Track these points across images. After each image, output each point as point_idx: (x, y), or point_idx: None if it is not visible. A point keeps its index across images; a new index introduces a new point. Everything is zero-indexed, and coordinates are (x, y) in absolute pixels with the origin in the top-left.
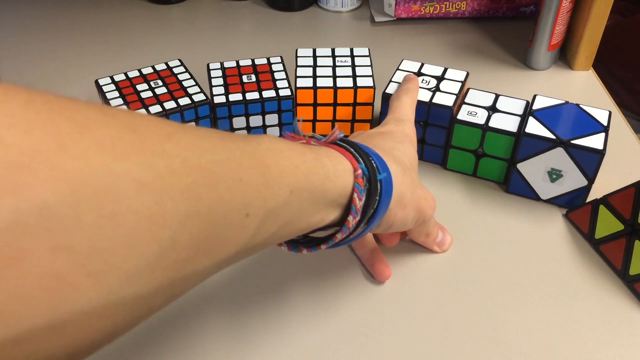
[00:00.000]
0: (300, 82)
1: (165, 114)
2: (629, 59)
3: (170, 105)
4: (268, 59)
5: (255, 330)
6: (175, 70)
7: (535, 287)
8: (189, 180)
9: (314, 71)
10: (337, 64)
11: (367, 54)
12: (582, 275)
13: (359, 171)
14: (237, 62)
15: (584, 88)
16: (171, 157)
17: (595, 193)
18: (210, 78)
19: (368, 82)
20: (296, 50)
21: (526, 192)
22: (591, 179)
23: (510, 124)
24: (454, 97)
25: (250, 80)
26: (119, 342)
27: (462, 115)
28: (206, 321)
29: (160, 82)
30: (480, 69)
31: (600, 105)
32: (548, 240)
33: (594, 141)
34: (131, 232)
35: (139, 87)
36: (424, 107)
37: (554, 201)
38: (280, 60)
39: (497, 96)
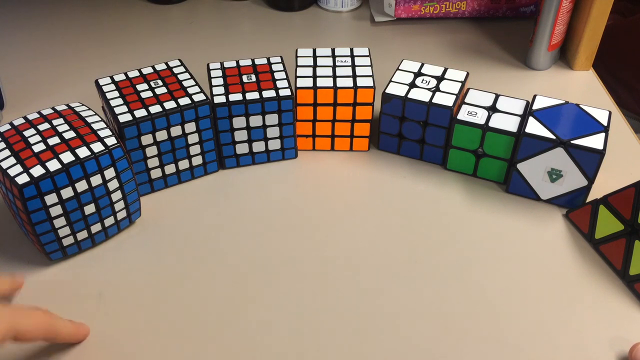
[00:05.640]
0: (300, 82)
1: (165, 114)
2: (629, 59)
3: (170, 105)
4: (268, 59)
5: (253, 330)
6: (175, 70)
7: (535, 287)
8: None
9: (314, 71)
10: (337, 64)
11: (367, 54)
12: (582, 275)
13: None
14: (237, 62)
15: (584, 88)
16: None
17: (595, 193)
18: (210, 78)
19: (368, 82)
20: (296, 50)
21: (526, 192)
22: (591, 179)
23: (510, 124)
24: (454, 97)
25: (250, 80)
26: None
27: (462, 115)
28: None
29: (160, 82)
30: (480, 69)
31: (600, 105)
32: (548, 240)
33: (594, 141)
34: None
35: (139, 87)
36: (424, 107)
37: (554, 201)
38: (280, 60)
39: (497, 96)
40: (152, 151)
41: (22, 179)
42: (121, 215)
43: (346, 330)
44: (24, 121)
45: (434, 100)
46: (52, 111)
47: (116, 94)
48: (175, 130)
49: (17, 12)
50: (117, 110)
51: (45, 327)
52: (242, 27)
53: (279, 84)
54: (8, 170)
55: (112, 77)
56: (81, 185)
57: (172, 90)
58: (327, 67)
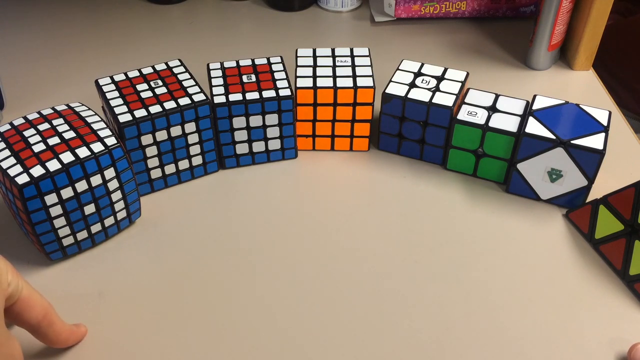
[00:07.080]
0: (300, 82)
1: (165, 114)
2: (629, 59)
3: (170, 105)
4: (268, 59)
5: (253, 330)
6: (175, 70)
7: (535, 287)
8: None
9: (314, 71)
10: (337, 64)
11: (367, 54)
12: (582, 275)
13: None
14: (237, 62)
15: (584, 88)
16: None
17: (595, 193)
18: (210, 78)
19: (368, 82)
20: (296, 50)
21: (526, 192)
22: (591, 179)
23: (510, 124)
24: (454, 97)
25: (250, 80)
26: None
27: (462, 115)
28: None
29: (160, 82)
30: (480, 69)
31: (600, 105)
32: (548, 240)
33: (594, 141)
34: None
35: (139, 87)
36: (424, 107)
37: (554, 201)
38: (280, 60)
39: (497, 96)
40: (152, 151)
41: (22, 179)
42: (121, 215)
43: (346, 330)
44: (24, 121)
45: (434, 100)
46: (52, 111)
47: (116, 94)
48: (175, 130)
49: (18, 12)
50: (117, 110)
51: (45, 308)
52: (242, 27)
53: (279, 84)
54: (8, 170)
55: (112, 77)
56: (81, 185)
57: (172, 90)
58: (327, 67)
